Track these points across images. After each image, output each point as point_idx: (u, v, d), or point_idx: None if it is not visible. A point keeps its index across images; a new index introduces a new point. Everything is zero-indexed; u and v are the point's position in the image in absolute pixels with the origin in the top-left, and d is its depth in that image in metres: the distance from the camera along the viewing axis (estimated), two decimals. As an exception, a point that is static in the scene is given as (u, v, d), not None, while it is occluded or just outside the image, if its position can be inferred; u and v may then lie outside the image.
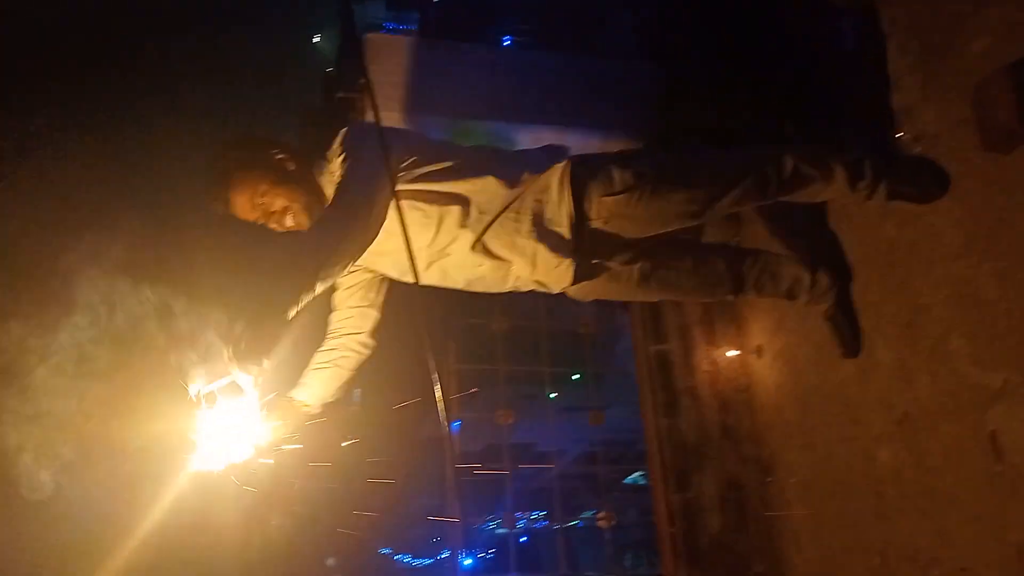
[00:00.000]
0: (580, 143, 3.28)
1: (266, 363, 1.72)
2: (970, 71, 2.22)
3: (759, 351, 3.32)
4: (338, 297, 2.45)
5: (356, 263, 2.08)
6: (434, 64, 3.45)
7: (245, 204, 2.16)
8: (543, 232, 2.27)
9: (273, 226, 2.21)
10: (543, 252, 2.29)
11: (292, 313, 1.76)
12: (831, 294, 2.65)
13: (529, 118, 3.47)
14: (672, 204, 2.30)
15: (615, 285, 2.49)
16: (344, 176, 2.09)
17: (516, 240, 2.26)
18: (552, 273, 2.35)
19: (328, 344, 2.45)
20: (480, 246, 2.26)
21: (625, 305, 3.71)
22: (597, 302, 3.79)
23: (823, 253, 2.72)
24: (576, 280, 2.37)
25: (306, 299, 1.79)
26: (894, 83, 2.55)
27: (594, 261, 2.38)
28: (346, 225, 1.95)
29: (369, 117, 3.05)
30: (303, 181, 2.22)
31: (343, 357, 2.44)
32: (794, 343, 3.07)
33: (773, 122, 3.09)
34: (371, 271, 2.41)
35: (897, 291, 2.50)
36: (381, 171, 2.00)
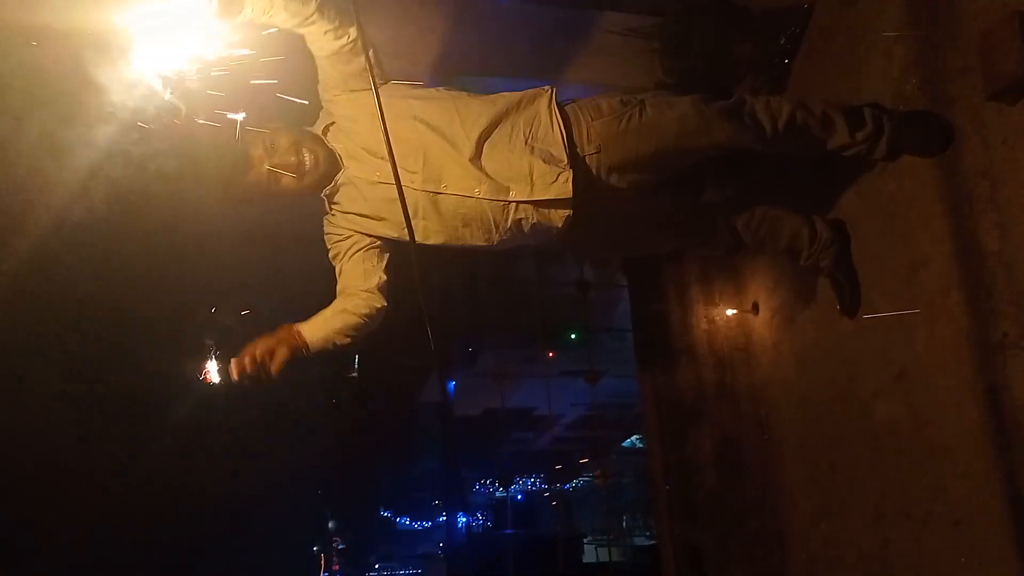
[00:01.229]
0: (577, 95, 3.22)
1: None
2: (976, 18, 2.17)
3: (757, 309, 3.30)
4: (344, 269, 2.37)
5: (356, 229, 2.22)
6: (426, 18, 3.38)
7: (258, 165, 2.14)
8: (537, 148, 2.20)
9: (300, 171, 2.18)
10: (539, 166, 2.18)
11: None
12: (831, 250, 2.62)
13: (525, 72, 3.41)
14: (667, 120, 2.25)
15: (610, 231, 2.44)
16: None
17: (511, 157, 2.19)
18: (551, 189, 2.19)
19: (337, 299, 2.39)
20: (477, 160, 2.18)
21: (624, 267, 3.69)
22: (595, 264, 3.78)
23: (822, 208, 2.69)
24: (575, 192, 2.20)
25: None
26: (898, 31, 2.49)
27: (590, 173, 2.27)
28: None
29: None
30: (293, 127, 2.23)
31: (352, 304, 2.34)
32: (792, 300, 3.05)
33: (774, 65, 3.04)
34: (371, 236, 2.35)
35: (897, 245, 2.47)
36: None
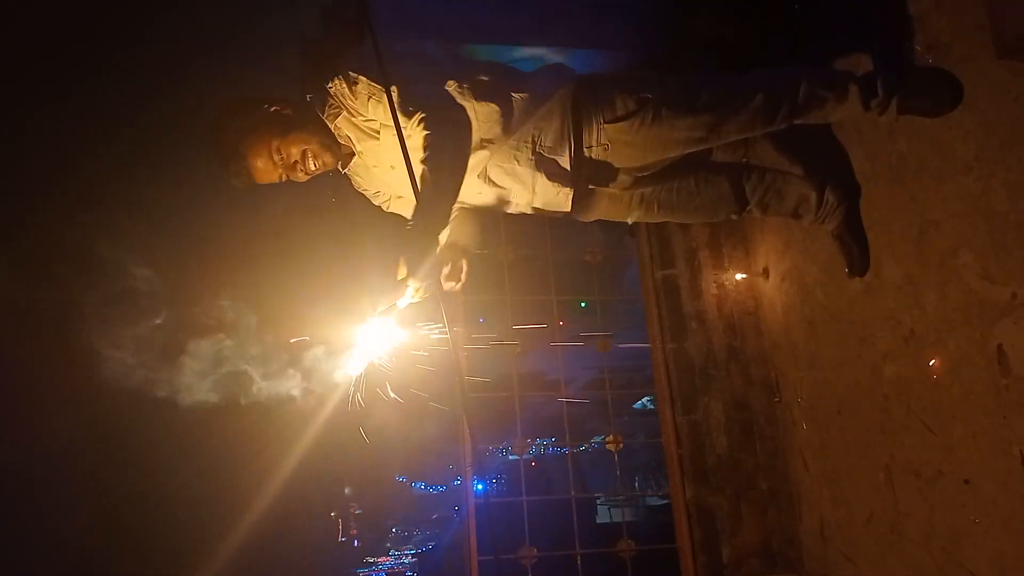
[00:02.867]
0: (585, 63, 3.20)
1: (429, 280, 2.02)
2: (987, -24, 2.13)
3: (766, 273, 3.30)
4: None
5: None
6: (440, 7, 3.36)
7: (266, 164, 2.17)
8: (542, 160, 2.25)
9: (300, 176, 2.22)
10: (542, 180, 2.28)
11: (443, 235, 2.05)
12: (839, 212, 2.61)
13: (533, 39, 3.38)
14: (676, 130, 2.26)
15: (616, 207, 2.48)
16: (426, 118, 2.06)
17: (515, 168, 2.25)
18: (551, 200, 2.35)
19: None
20: (484, 174, 2.25)
21: (632, 231, 3.68)
22: (604, 228, 3.78)
23: (831, 170, 2.67)
24: (574, 207, 2.37)
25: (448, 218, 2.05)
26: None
27: (593, 186, 2.36)
28: (454, 153, 2.07)
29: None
30: (308, 122, 2.22)
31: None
32: (801, 263, 3.05)
33: (784, 32, 3.00)
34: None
35: (906, 207, 2.46)
36: (444, 97, 2.13)
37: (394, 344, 2.15)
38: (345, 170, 2.39)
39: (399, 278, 2.02)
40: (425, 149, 2.03)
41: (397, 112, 2.01)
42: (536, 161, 2.25)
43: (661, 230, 3.46)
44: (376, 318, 2.07)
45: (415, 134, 2.07)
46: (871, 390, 2.66)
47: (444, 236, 2.07)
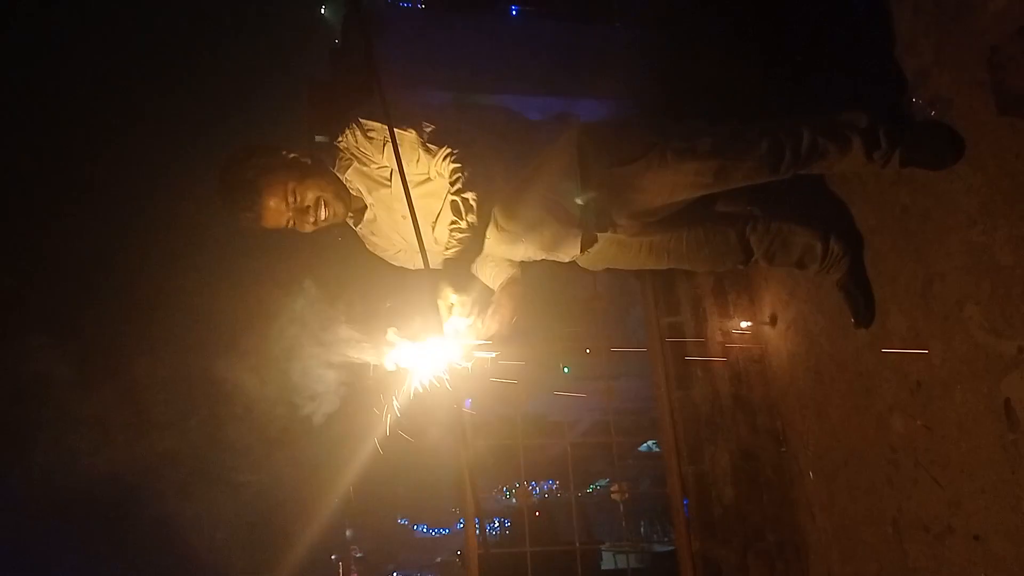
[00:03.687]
0: (589, 111, 3.24)
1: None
2: (986, 32, 2.16)
3: (772, 321, 3.30)
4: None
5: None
6: (441, 37, 3.42)
7: (279, 204, 2.18)
8: (550, 204, 2.26)
9: (307, 224, 2.23)
10: (550, 223, 2.28)
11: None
12: (844, 263, 2.62)
13: (537, 89, 3.44)
14: (680, 175, 2.27)
15: (624, 255, 2.49)
16: (452, 153, 2.12)
17: (523, 211, 2.26)
18: (560, 244, 2.35)
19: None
20: (493, 219, 2.26)
21: (637, 274, 3.69)
22: (610, 271, 3.79)
23: (835, 221, 2.68)
24: (583, 250, 2.37)
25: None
26: (908, 45, 2.49)
27: (601, 232, 2.37)
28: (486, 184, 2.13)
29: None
30: (324, 172, 2.25)
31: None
32: (807, 312, 3.05)
33: (786, 86, 3.04)
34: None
35: (911, 259, 2.47)
36: (464, 133, 2.18)
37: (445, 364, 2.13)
38: (358, 227, 2.40)
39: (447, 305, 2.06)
40: (456, 181, 2.08)
41: (422, 150, 2.12)
42: (545, 205, 2.27)
43: (666, 277, 3.48)
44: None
45: (442, 169, 2.12)
46: (878, 442, 2.64)
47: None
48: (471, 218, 2.07)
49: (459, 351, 2.12)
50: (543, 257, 2.44)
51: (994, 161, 2.16)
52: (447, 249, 2.12)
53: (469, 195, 2.08)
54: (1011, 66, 2.04)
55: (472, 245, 2.10)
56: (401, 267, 2.52)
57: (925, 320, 2.42)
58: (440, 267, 2.18)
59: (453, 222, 2.11)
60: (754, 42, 3.19)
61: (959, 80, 2.28)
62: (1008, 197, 2.12)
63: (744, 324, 3.39)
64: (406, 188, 1.76)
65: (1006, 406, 2.13)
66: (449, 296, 2.08)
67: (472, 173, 2.09)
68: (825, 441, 2.97)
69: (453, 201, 2.09)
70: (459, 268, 2.15)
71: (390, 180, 2.24)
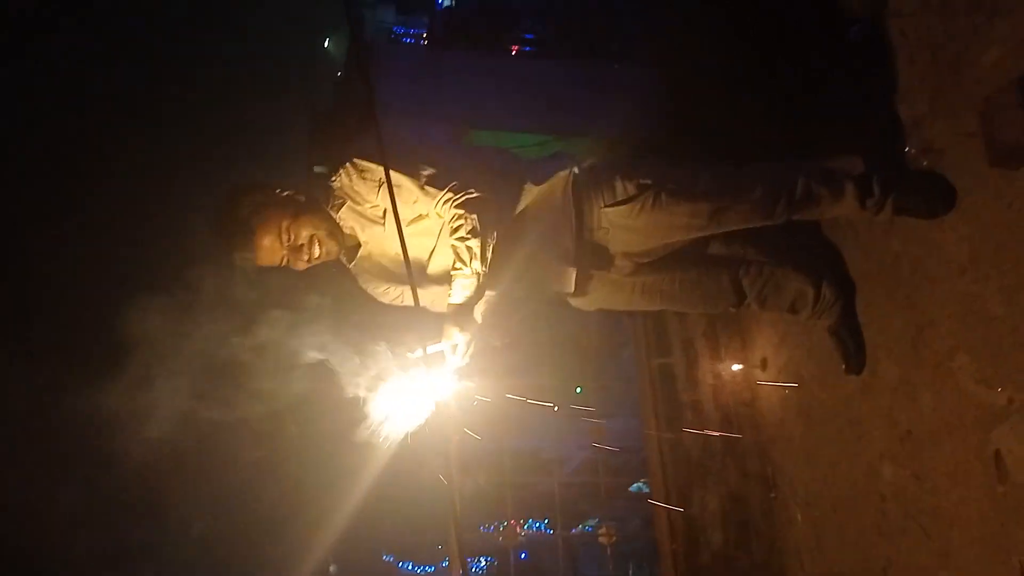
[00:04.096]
0: (587, 150, 3.26)
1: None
2: (980, 84, 2.19)
3: (763, 365, 3.29)
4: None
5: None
6: (442, 73, 3.45)
7: (273, 243, 2.17)
8: (545, 242, 2.26)
9: (301, 262, 2.22)
10: (545, 261, 2.29)
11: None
12: (835, 309, 2.62)
13: (536, 126, 3.46)
14: (675, 217, 2.28)
15: (617, 295, 2.49)
16: (453, 198, 2.14)
17: (518, 249, 2.26)
18: (553, 282, 2.35)
19: None
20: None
21: (630, 314, 3.68)
22: (601, 312, 3.78)
23: (827, 267, 2.69)
24: (577, 287, 2.36)
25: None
26: (903, 95, 2.52)
27: (595, 271, 2.37)
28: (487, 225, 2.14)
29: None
30: (318, 210, 2.25)
31: None
32: (798, 357, 3.04)
33: (782, 130, 3.06)
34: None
35: (902, 307, 2.47)
36: (464, 176, 2.19)
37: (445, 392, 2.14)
38: (350, 264, 2.39)
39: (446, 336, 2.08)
40: (459, 229, 2.10)
41: (421, 193, 2.14)
42: (539, 242, 2.27)
43: (658, 318, 3.47)
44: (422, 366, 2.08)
45: (442, 211, 2.13)
46: (868, 490, 2.62)
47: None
48: (475, 265, 2.08)
49: (455, 388, 2.12)
50: (537, 295, 2.42)
51: (986, 211, 2.17)
52: (449, 295, 2.12)
53: (473, 243, 2.09)
54: (1003, 118, 2.06)
55: (475, 290, 2.10)
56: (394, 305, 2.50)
57: (916, 368, 2.41)
58: (443, 308, 2.19)
59: (455, 268, 2.11)
60: (752, 86, 3.23)
61: (952, 130, 2.30)
62: (999, 247, 2.12)
63: (735, 367, 3.38)
64: (402, 238, 1.78)
65: (996, 457, 2.11)
66: (453, 335, 2.08)
67: (474, 220, 2.10)
68: (815, 487, 2.94)
69: (455, 247, 2.10)
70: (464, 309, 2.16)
71: (383, 219, 2.24)
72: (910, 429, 2.43)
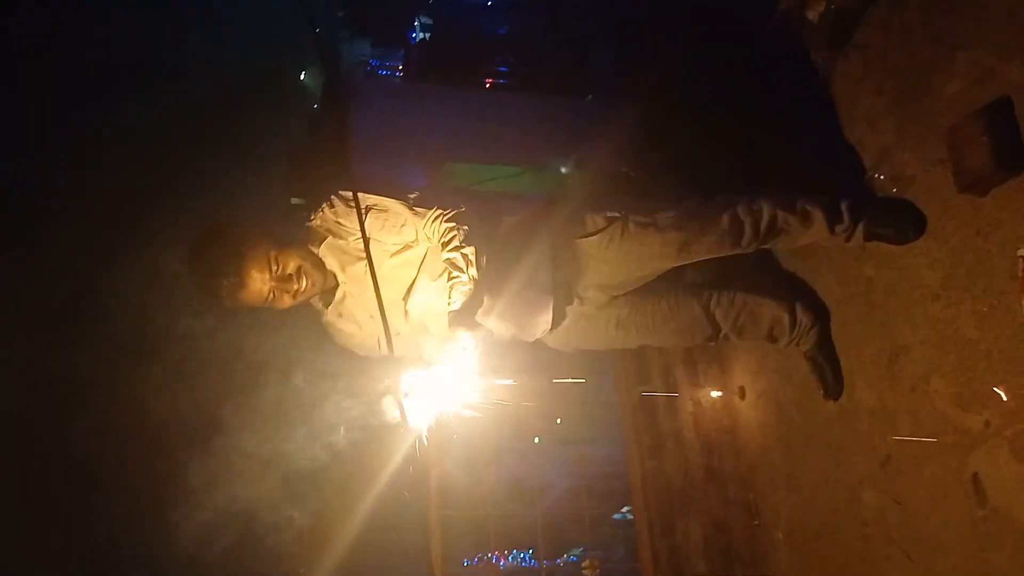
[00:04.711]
0: (560, 182, 3.29)
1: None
2: (944, 114, 2.23)
3: (742, 392, 3.29)
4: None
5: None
6: (417, 108, 3.47)
7: (261, 273, 2.13)
8: (521, 278, 2.27)
9: (287, 296, 2.19)
10: (521, 294, 2.28)
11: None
12: (812, 334, 2.64)
13: (511, 158, 3.48)
14: (645, 247, 2.30)
15: (593, 331, 2.49)
16: (443, 214, 2.16)
17: (492, 283, 2.26)
18: (530, 316, 2.34)
19: None
20: None
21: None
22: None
23: (802, 293, 2.71)
24: (553, 322, 2.36)
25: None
26: (871, 123, 2.56)
27: (569, 305, 2.37)
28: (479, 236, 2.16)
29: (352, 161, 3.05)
30: (299, 244, 2.24)
31: None
32: (776, 383, 3.05)
33: (752, 161, 3.10)
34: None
35: (877, 331, 2.49)
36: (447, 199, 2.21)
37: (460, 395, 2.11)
38: (326, 309, 2.35)
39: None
40: (452, 240, 2.11)
41: (410, 214, 2.17)
42: (516, 278, 2.27)
43: (637, 348, 3.47)
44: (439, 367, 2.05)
45: (432, 230, 2.15)
46: (850, 515, 2.62)
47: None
48: (472, 272, 2.07)
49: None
50: (511, 335, 2.41)
51: (956, 237, 2.20)
52: (450, 303, 2.11)
53: (468, 250, 2.09)
54: (968, 147, 2.09)
55: (473, 297, 2.09)
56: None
57: (892, 393, 2.43)
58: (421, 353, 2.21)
59: (452, 277, 2.11)
60: (722, 118, 3.27)
61: (920, 158, 2.34)
62: (970, 272, 2.15)
63: (715, 394, 3.39)
64: (372, 273, 1.78)
65: (974, 481, 2.13)
66: (462, 337, 2.06)
67: (465, 230, 2.11)
68: (797, 514, 2.94)
69: (449, 259, 2.10)
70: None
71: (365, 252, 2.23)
72: (889, 454, 2.44)
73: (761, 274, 2.69)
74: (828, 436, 2.74)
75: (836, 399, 2.66)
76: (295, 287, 2.18)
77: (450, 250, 2.10)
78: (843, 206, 2.36)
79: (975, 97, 2.13)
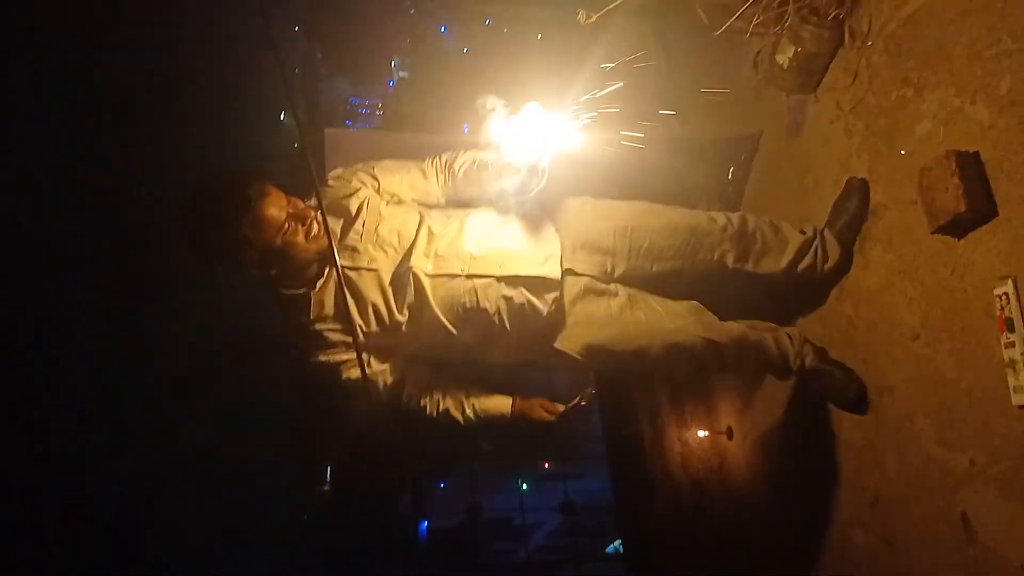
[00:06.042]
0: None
1: None
2: (914, 154, 2.26)
3: (730, 432, 3.29)
4: None
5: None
6: (393, 156, 3.46)
7: (279, 201, 2.16)
8: (527, 230, 2.38)
9: (299, 235, 2.19)
10: (528, 247, 2.34)
11: None
12: (810, 345, 2.55)
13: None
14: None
15: (602, 313, 2.39)
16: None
17: (500, 235, 2.35)
18: (539, 268, 2.31)
19: None
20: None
21: (595, 381, 3.66)
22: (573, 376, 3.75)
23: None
24: (563, 271, 2.34)
25: None
26: (843, 164, 2.59)
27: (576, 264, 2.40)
28: None
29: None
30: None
31: None
32: (761, 423, 3.05)
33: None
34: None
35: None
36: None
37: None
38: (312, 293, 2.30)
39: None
40: (455, 157, 2.38)
41: (428, 165, 2.41)
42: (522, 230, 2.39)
43: (621, 386, 3.47)
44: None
45: (430, 166, 2.41)
46: (841, 556, 2.61)
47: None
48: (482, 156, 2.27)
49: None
50: (520, 297, 2.30)
51: (931, 277, 2.21)
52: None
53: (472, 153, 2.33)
54: (939, 187, 2.11)
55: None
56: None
57: (877, 432, 2.43)
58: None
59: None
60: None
61: (893, 197, 2.36)
62: (947, 311, 2.16)
63: (702, 433, 3.38)
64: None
65: (964, 520, 2.12)
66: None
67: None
68: (789, 554, 2.92)
69: (462, 161, 2.36)
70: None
71: (356, 214, 2.29)
72: (878, 494, 2.44)
73: (742, 312, 2.66)
74: (816, 476, 2.73)
75: (862, 397, 2.48)
76: (308, 227, 2.19)
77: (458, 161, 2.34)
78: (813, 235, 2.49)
79: (943, 139, 2.16)
